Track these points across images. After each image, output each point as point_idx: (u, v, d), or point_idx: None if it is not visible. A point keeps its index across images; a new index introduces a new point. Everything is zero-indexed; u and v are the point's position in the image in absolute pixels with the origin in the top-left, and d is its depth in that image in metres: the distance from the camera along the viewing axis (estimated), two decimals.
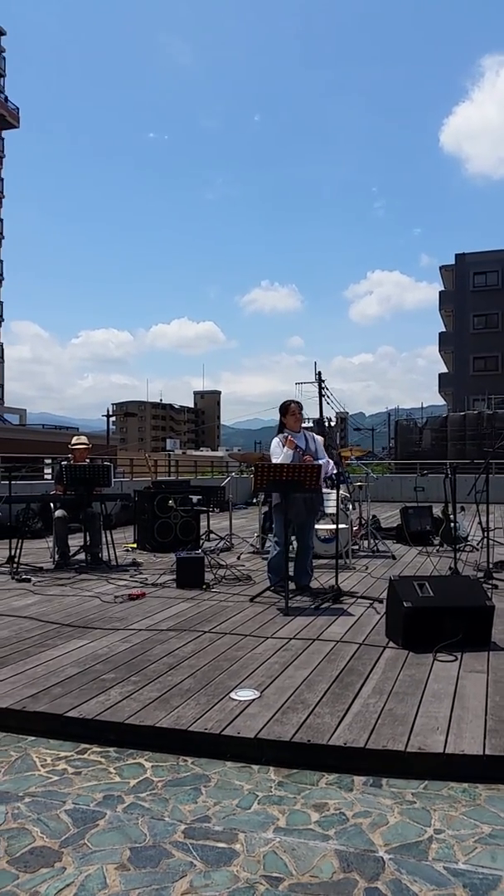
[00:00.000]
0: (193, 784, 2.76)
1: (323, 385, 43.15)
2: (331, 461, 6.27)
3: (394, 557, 8.33)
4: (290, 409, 6.09)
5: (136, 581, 6.74)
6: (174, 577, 6.60)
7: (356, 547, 8.75)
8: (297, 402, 6.17)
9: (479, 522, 7.20)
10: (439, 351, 47.59)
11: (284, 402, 6.17)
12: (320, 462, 5.83)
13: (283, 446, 5.95)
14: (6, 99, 51.29)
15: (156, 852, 2.28)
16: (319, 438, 6.25)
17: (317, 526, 7.99)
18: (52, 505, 8.16)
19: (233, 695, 3.47)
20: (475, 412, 30.86)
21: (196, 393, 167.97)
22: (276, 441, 6.09)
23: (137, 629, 4.86)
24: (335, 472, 6.81)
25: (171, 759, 2.99)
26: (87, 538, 7.64)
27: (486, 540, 7.07)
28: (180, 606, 5.63)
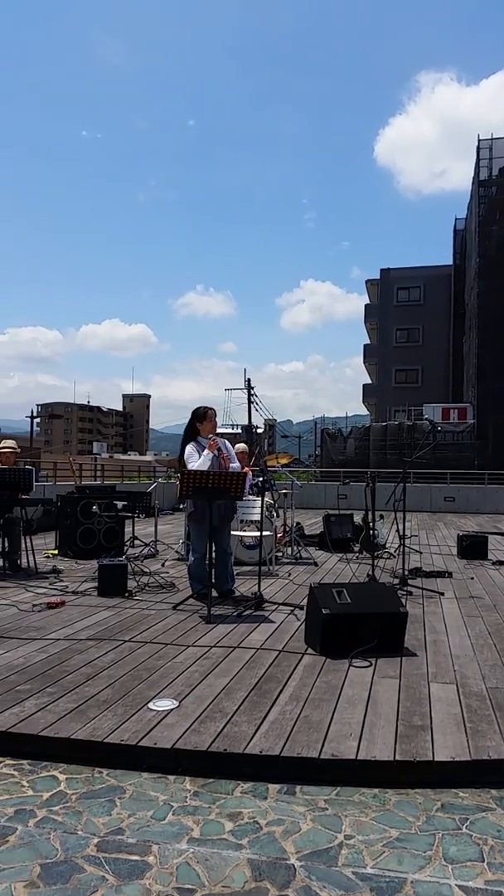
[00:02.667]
0: (108, 796, 2.74)
1: (252, 392, 43.48)
2: (249, 472, 6.35)
3: (316, 564, 8.47)
4: (208, 416, 6.11)
5: (56, 589, 6.61)
6: (96, 584, 6.51)
7: (280, 554, 8.85)
8: (214, 410, 6.21)
9: (397, 530, 7.42)
10: (364, 362, 48.71)
11: (202, 408, 6.15)
12: (242, 469, 5.90)
13: (204, 450, 5.96)
14: None
15: (67, 868, 2.25)
16: (242, 446, 6.31)
17: (241, 533, 8.06)
18: None
19: (151, 705, 3.46)
20: (396, 423, 31.76)
21: (125, 396, 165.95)
22: (190, 447, 6.04)
23: (55, 639, 4.77)
24: (258, 479, 6.88)
25: (86, 771, 2.95)
26: (6, 544, 7.44)
27: (402, 547, 7.29)
28: (101, 615, 5.56)
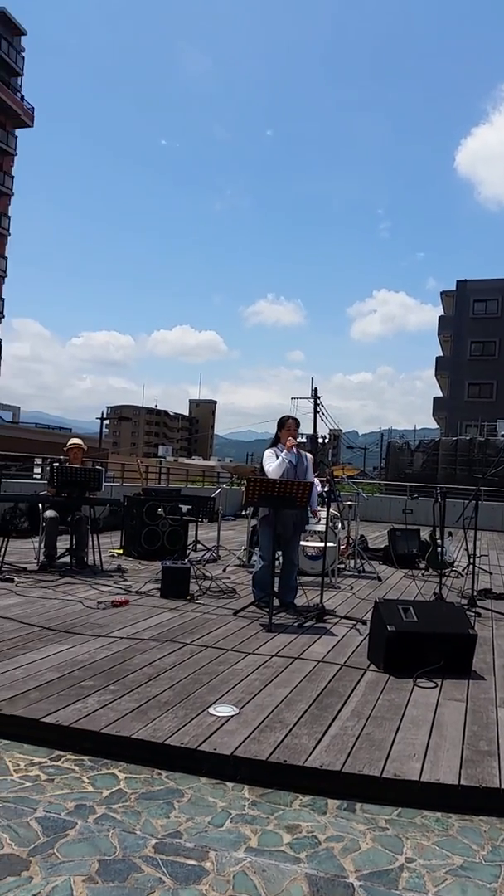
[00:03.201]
0: (167, 798, 2.74)
1: (318, 401, 43.28)
2: (317, 482, 6.30)
3: (379, 579, 8.34)
4: (286, 425, 6.13)
5: (121, 588, 6.71)
6: (159, 585, 6.58)
7: (342, 566, 8.75)
8: (295, 420, 6.21)
9: (466, 549, 7.22)
10: (435, 375, 47.81)
11: (283, 417, 6.22)
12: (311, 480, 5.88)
13: (281, 453, 5.99)
14: (22, 98, 51.43)
15: (125, 866, 2.26)
16: (310, 457, 6.28)
17: (305, 543, 8.00)
18: (40, 505, 8.13)
19: (211, 710, 3.46)
20: (467, 438, 30.97)
21: (191, 401, 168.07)
22: (269, 451, 6.12)
23: (119, 637, 4.83)
24: (324, 489, 6.83)
25: (145, 771, 2.97)
26: (74, 541, 7.61)
27: (471, 567, 7.09)
28: (163, 616, 5.61)
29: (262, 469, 6.06)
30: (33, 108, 52.79)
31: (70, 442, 8.27)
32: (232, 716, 3.40)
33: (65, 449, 8.22)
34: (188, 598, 6.35)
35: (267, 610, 5.55)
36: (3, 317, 49.99)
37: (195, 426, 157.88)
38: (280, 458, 5.96)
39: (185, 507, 9.21)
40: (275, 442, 6.18)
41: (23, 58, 52.01)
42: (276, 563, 6.26)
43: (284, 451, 5.99)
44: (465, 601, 6.55)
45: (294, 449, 6.07)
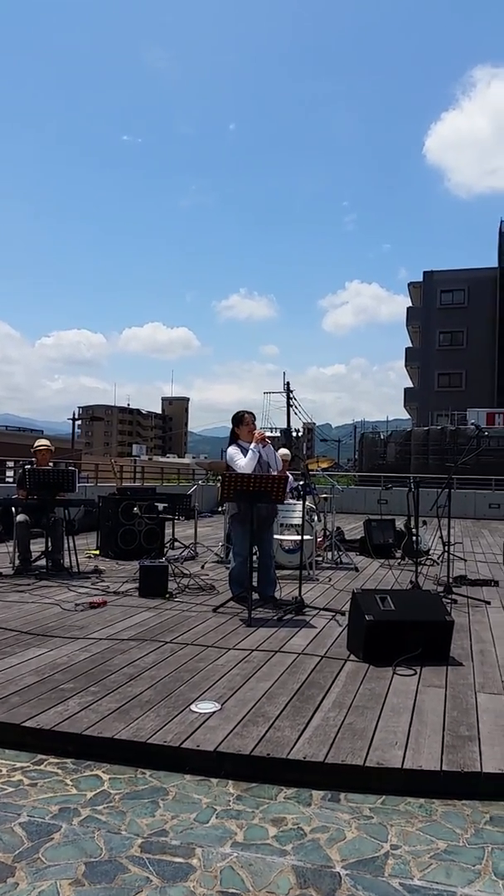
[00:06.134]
0: (151, 797, 2.73)
1: (291, 395, 43.40)
2: (290, 476, 6.30)
3: (357, 570, 8.39)
4: (244, 420, 6.07)
5: (98, 589, 6.67)
6: (137, 585, 6.55)
7: (320, 558, 8.79)
8: (252, 414, 6.16)
9: (440, 537, 7.30)
10: (405, 366, 48.20)
11: (239, 413, 6.13)
12: (283, 473, 5.88)
13: (251, 446, 5.92)
14: None
15: (112, 867, 2.26)
16: (283, 451, 6.26)
17: (282, 537, 8.03)
18: (13, 509, 8.03)
19: (193, 707, 3.46)
20: (438, 427, 31.27)
21: (164, 399, 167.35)
22: (232, 448, 6.05)
23: (98, 638, 4.80)
24: (298, 483, 6.84)
25: (129, 771, 2.96)
26: (49, 544, 7.54)
27: (446, 554, 7.17)
28: (142, 615, 5.58)
29: (229, 468, 5.99)
30: None
31: (37, 443, 8.14)
32: (214, 712, 3.40)
33: (32, 450, 8.11)
34: (167, 596, 6.33)
35: (246, 605, 5.56)
36: None
37: (168, 424, 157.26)
38: (251, 453, 5.91)
39: (160, 506, 9.19)
40: (233, 439, 6.10)
41: None
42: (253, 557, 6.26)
43: (253, 444, 5.95)
44: (441, 588, 6.63)
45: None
